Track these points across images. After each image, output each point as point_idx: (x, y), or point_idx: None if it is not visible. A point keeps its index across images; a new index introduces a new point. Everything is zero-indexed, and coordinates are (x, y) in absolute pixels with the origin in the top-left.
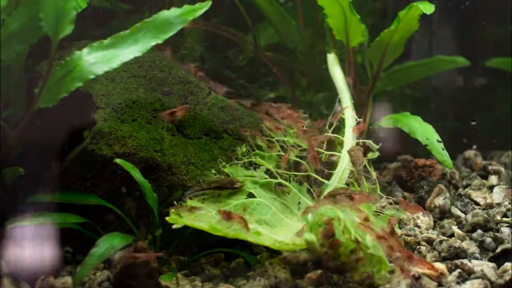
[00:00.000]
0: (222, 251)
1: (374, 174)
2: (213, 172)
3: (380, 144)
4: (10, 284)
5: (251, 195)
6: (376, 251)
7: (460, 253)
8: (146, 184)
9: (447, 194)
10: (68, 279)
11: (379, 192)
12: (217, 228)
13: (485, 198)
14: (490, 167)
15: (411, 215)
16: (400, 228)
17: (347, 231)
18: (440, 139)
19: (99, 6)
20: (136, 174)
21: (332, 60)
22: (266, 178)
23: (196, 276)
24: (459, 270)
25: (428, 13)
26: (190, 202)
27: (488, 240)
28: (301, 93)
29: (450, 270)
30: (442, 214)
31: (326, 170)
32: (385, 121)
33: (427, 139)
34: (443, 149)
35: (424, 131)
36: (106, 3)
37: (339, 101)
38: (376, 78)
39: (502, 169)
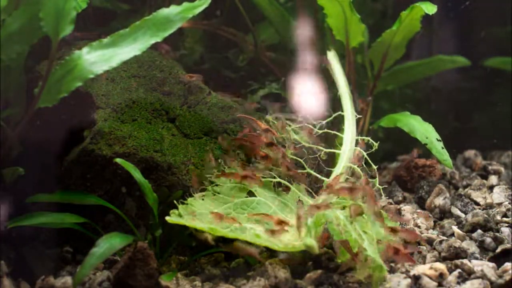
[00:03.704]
0: (222, 251)
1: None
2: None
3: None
4: (10, 284)
5: (251, 194)
6: (374, 255)
7: (460, 253)
8: (146, 184)
9: (447, 194)
10: (68, 279)
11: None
12: (216, 229)
13: (485, 198)
14: (490, 167)
15: (411, 215)
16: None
17: (347, 234)
18: (439, 138)
19: (99, 6)
20: (136, 174)
21: (331, 57)
22: (266, 177)
23: (196, 276)
24: (459, 270)
25: (430, 14)
26: (190, 201)
27: (488, 240)
28: None
29: (450, 270)
30: (442, 214)
31: (326, 168)
32: (384, 121)
33: (427, 138)
34: (442, 148)
35: (424, 130)
36: (106, 3)
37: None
38: (377, 79)
39: (502, 169)
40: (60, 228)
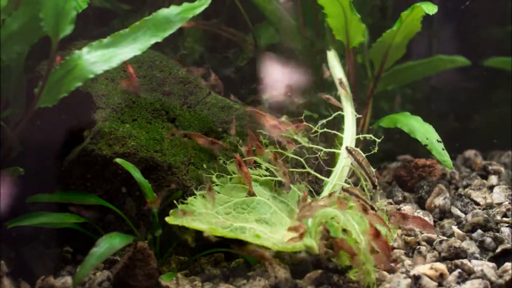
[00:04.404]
0: (222, 251)
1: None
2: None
3: None
4: (10, 284)
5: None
6: (367, 261)
7: (460, 253)
8: (146, 184)
9: (447, 194)
10: (68, 279)
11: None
12: (216, 229)
13: (485, 198)
14: (490, 167)
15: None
16: (400, 228)
17: (347, 231)
18: (440, 139)
19: (99, 6)
20: (136, 174)
21: (331, 56)
22: (266, 176)
23: (196, 276)
24: (459, 270)
25: (431, 14)
26: (190, 200)
27: (488, 240)
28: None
29: (450, 270)
30: (442, 214)
31: (326, 167)
32: (384, 121)
33: (427, 139)
34: (443, 149)
35: (424, 131)
36: (106, 3)
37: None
38: (378, 79)
39: (502, 169)
40: (60, 228)
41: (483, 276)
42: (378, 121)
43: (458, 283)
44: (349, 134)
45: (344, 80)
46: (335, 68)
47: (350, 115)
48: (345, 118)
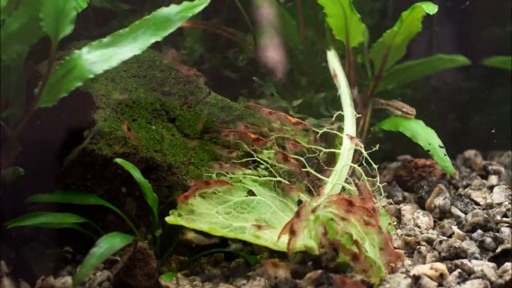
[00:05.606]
0: (222, 251)
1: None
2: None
3: None
4: (10, 284)
5: (251, 193)
6: (374, 256)
7: (460, 253)
8: (146, 184)
9: (447, 194)
10: (68, 279)
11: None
12: (216, 229)
13: (485, 198)
14: (490, 167)
15: (411, 215)
16: (400, 228)
17: (347, 232)
18: (442, 144)
19: (99, 6)
20: (136, 174)
21: (331, 56)
22: (266, 176)
23: (196, 276)
24: (459, 270)
25: (432, 13)
26: (190, 201)
27: (488, 240)
28: (301, 93)
29: (450, 270)
30: (442, 214)
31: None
32: (386, 124)
33: (429, 144)
34: (445, 155)
35: (427, 136)
36: (106, 3)
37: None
38: (378, 80)
39: (502, 169)
40: (60, 228)
41: (483, 276)
42: (380, 123)
43: (458, 283)
44: (349, 133)
45: (344, 77)
46: (335, 67)
47: (350, 115)
48: (345, 118)
